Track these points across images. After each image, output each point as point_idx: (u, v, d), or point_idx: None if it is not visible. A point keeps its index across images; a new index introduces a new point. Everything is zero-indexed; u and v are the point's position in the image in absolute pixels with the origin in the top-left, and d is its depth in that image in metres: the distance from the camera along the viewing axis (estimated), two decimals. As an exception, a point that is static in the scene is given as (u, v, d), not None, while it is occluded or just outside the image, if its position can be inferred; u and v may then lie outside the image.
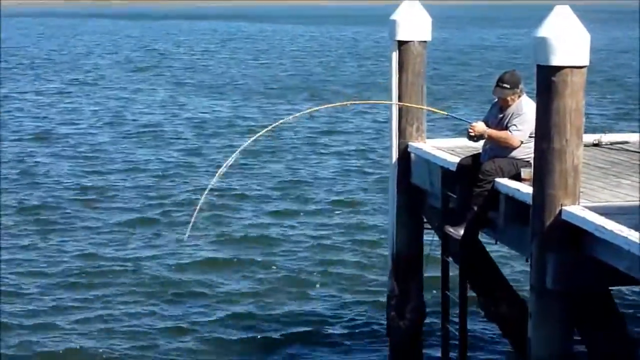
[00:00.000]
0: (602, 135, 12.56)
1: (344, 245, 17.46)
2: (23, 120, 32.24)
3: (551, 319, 8.64)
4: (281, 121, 12.72)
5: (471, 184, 9.93)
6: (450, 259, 10.86)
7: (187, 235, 14.42)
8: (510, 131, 9.92)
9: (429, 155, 11.34)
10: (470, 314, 11.35)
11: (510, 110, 10.03)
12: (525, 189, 9.29)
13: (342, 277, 15.60)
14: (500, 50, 64.12)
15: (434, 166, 11.17)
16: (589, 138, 12.20)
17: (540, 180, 8.59)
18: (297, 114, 15.88)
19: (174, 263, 16.33)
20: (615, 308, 9.24)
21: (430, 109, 11.72)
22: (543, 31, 8.42)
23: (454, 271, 10.81)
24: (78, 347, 12.86)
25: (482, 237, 10.80)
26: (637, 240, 7.61)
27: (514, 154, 9.89)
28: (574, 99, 8.39)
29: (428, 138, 12.03)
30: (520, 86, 10.04)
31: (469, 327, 11.28)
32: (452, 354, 10.89)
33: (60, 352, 12.69)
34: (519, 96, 10.04)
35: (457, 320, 10.75)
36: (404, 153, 11.90)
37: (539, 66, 8.50)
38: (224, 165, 11.49)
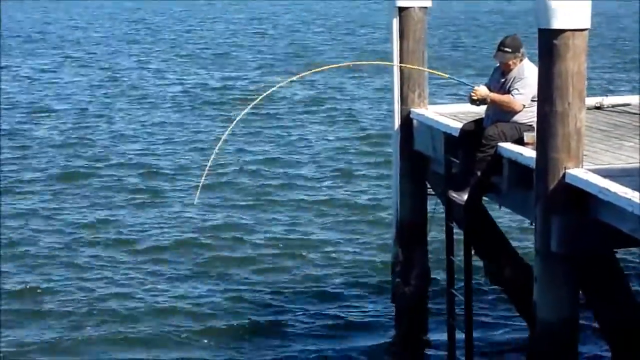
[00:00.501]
0: (604, 97, 12.55)
1: (348, 213, 17.49)
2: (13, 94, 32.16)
3: (556, 282, 8.67)
4: (279, 84, 12.68)
5: (474, 149, 9.94)
6: (454, 224, 10.88)
7: (195, 200, 14.40)
8: (512, 95, 9.91)
9: (431, 121, 11.35)
10: (475, 279, 11.41)
11: (512, 75, 10.02)
12: (528, 152, 9.31)
13: (346, 245, 15.65)
14: (501, 15, 63.86)
15: (436, 132, 11.17)
16: (591, 101, 12.18)
17: (544, 143, 8.60)
18: (300, 74, 15.57)
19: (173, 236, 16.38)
20: (620, 270, 9.28)
21: (432, 71, 11.68)
22: (544, -6, 8.39)
23: (458, 236, 10.84)
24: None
25: (486, 202, 10.83)
26: (641, 202, 7.63)
27: (517, 118, 9.89)
28: (575, 62, 8.38)
29: (430, 104, 12.03)
30: (522, 50, 10.02)
31: (475, 291, 11.35)
32: (458, 319, 10.93)
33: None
34: (521, 60, 10.03)
35: (462, 285, 10.79)
36: (406, 119, 11.90)
37: (540, 30, 8.49)
38: (227, 130, 11.60)
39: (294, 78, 13.51)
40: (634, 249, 12.46)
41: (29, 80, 35.43)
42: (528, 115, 9.75)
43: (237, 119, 12.05)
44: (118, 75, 36.79)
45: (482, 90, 10.11)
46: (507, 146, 9.72)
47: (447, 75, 11.29)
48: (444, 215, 10.99)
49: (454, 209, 10.68)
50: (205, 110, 28.73)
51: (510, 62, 10.00)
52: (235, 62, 40.88)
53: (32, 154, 22.55)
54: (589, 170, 8.57)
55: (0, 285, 14.14)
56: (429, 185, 12.05)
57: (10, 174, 20.52)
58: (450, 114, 11.63)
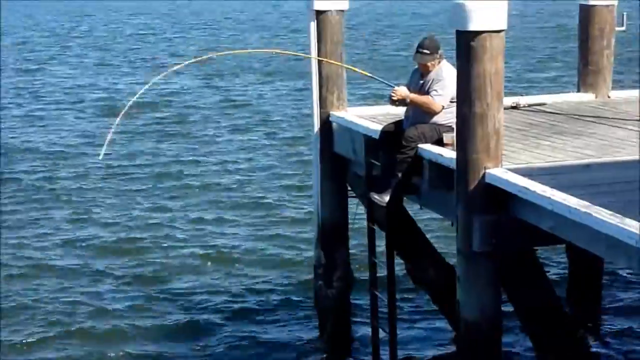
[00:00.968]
0: (520, 97, 12.73)
1: (269, 218, 17.46)
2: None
3: (479, 281, 8.73)
4: (181, 64, 12.59)
5: (394, 151, 9.98)
6: (375, 225, 10.92)
7: (101, 155, 14.17)
8: (431, 96, 9.98)
9: (350, 124, 11.38)
10: (398, 280, 11.47)
11: (430, 76, 10.09)
12: (448, 153, 9.38)
13: (268, 249, 15.62)
14: (418, 17, 64.28)
15: (356, 134, 11.20)
16: (507, 101, 12.32)
17: (463, 144, 8.67)
18: (197, 59, 15.06)
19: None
20: (540, 266, 9.41)
21: (352, 68, 11.64)
22: (461, -4, 8.47)
23: (380, 238, 10.88)
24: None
25: (408, 203, 10.89)
26: (560, 200, 7.74)
27: (436, 119, 9.96)
28: (493, 63, 8.46)
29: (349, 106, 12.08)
30: (440, 51, 10.10)
31: (398, 293, 11.40)
32: (381, 321, 10.97)
33: None
34: (439, 61, 10.11)
35: (385, 286, 10.82)
36: (326, 122, 11.92)
37: (458, 31, 8.55)
38: (138, 94, 11.80)
39: (196, 60, 13.39)
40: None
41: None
42: (447, 116, 9.83)
43: (147, 85, 11.92)
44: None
45: (402, 90, 10.16)
46: (427, 147, 9.79)
47: (368, 74, 11.29)
48: (365, 217, 11.03)
49: (375, 211, 10.71)
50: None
51: (429, 64, 10.07)
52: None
53: None
54: (509, 169, 8.67)
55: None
56: (349, 188, 12.08)
57: None
58: (369, 116, 11.67)
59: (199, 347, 12.23)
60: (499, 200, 8.58)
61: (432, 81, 10.03)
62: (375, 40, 48.67)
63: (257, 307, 13.38)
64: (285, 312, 13.18)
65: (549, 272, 13.57)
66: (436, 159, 9.56)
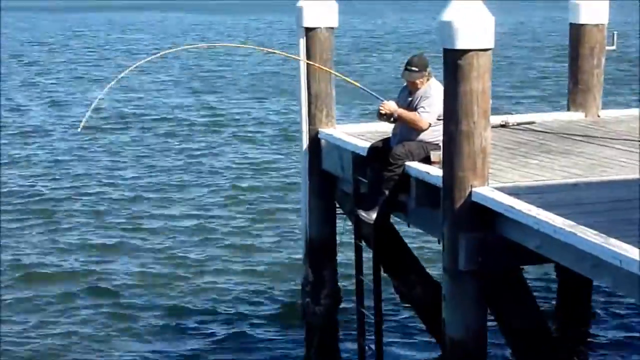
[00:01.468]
0: (509, 116, 12.73)
1: (258, 233, 17.41)
2: None
3: (465, 300, 8.73)
4: (153, 57, 12.59)
5: (382, 168, 9.98)
6: (363, 243, 10.90)
7: (80, 128, 14.10)
8: (418, 113, 9.99)
9: (339, 141, 11.37)
10: (385, 297, 11.44)
11: (419, 93, 10.10)
12: (435, 171, 9.38)
13: (256, 266, 15.55)
14: (410, 35, 64.40)
15: (344, 151, 11.20)
16: (496, 119, 12.35)
17: (450, 162, 8.67)
18: (173, 49, 14.94)
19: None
20: (526, 285, 9.39)
21: (343, 77, 11.59)
22: (448, 15, 8.49)
23: (368, 255, 10.85)
24: None
25: (396, 221, 10.88)
26: (546, 219, 7.74)
27: (423, 137, 9.96)
28: (480, 82, 8.48)
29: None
30: (428, 69, 10.10)
31: (385, 310, 11.37)
32: (368, 338, 10.94)
33: None
34: (428, 79, 10.12)
35: (372, 304, 10.79)
36: (315, 139, 11.91)
37: (445, 49, 8.58)
38: (114, 80, 11.84)
39: (170, 51, 13.39)
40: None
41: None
42: (434, 134, 9.82)
43: (120, 76, 11.92)
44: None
45: (390, 104, 10.17)
46: (414, 165, 9.78)
47: (357, 84, 11.28)
48: (353, 234, 11.01)
49: (362, 228, 10.71)
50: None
51: (417, 81, 10.08)
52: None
53: None
54: (495, 188, 8.67)
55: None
56: (337, 205, 12.07)
57: None
58: (358, 134, 11.67)
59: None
60: (485, 219, 8.57)
61: (420, 98, 10.04)
62: (365, 57, 48.73)
63: (244, 323, 13.31)
64: (272, 329, 13.11)
65: (537, 289, 13.56)
66: (423, 177, 9.56)
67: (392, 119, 10.22)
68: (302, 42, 11.81)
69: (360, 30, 65.68)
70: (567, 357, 10.19)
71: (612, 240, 7.07)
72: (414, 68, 10.04)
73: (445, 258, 8.81)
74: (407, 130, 10.04)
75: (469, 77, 8.46)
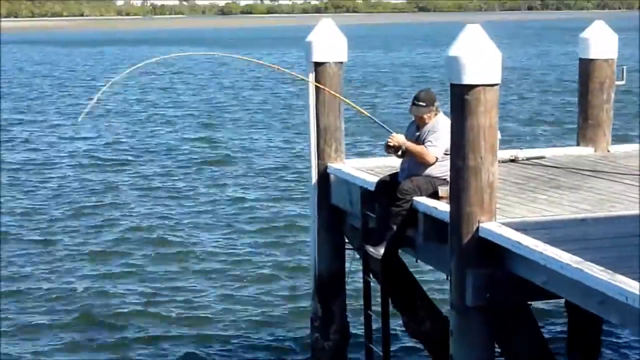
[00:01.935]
0: (519, 151, 12.72)
1: (268, 266, 17.39)
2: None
3: (472, 336, 8.68)
4: (142, 63, 12.60)
5: (390, 203, 9.96)
6: (371, 278, 10.87)
7: (80, 118, 14.16)
8: (425, 147, 9.98)
9: (347, 176, 11.36)
10: (395, 333, 11.39)
11: (426, 128, 10.11)
12: (442, 206, 9.35)
13: (265, 300, 15.51)
14: (419, 68, 64.53)
15: (353, 186, 11.19)
16: (506, 154, 12.35)
17: (457, 197, 8.65)
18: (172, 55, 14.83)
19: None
20: (534, 321, 9.32)
21: (353, 105, 11.58)
22: (455, 50, 8.50)
23: (377, 291, 10.81)
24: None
25: (404, 256, 10.85)
26: (553, 255, 7.69)
27: (431, 172, 9.95)
28: (487, 117, 8.47)
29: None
30: (436, 103, 10.12)
31: (394, 346, 11.32)
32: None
33: None
34: (436, 114, 10.13)
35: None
36: (324, 174, 11.92)
37: (452, 84, 8.58)
38: (103, 89, 12.07)
39: (157, 59, 13.43)
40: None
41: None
42: (442, 169, 9.81)
43: (105, 87, 12.05)
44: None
45: (398, 137, 10.17)
46: (422, 200, 9.77)
47: (367, 113, 11.28)
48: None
49: (371, 264, 10.68)
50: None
51: (425, 116, 10.09)
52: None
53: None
54: (503, 223, 8.64)
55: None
56: (347, 240, 12.05)
57: None
58: (367, 168, 11.67)
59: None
60: (493, 255, 8.53)
61: (428, 132, 10.05)
62: (374, 91, 48.84)
63: (252, 358, 13.26)
64: (281, 364, 13.09)
65: (548, 325, 13.48)
66: (431, 212, 9.53)
67: (399, 153, 10.21)
68: (312, 77, 11.84)
69: (371, 63, 65.86)
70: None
71: (619, 277, 7.02)
72: (421, 103, 10.05)
73: (452, 294, 8.76)
74: (415, 165, 10.03)
75: (476, 112, 8.45)
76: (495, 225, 8.52)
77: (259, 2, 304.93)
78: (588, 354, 12.74)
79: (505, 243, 8.30)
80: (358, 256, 11.57)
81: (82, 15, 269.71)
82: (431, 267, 11.47)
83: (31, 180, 25.85)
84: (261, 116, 39.75)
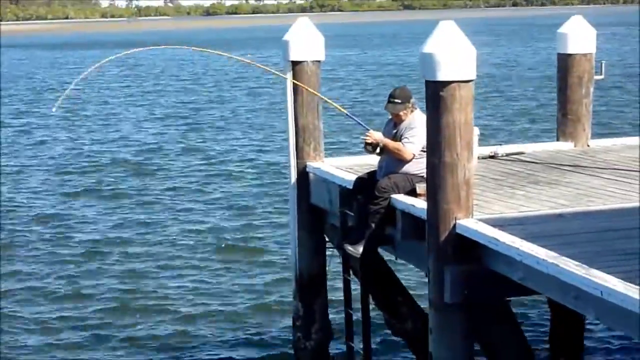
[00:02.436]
0: (498, 147, 12.69)
1: (248, 267, 17.33)
2: None
3: (451, 333, 8.65)
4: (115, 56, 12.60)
5: (368, 201, 9.93)
6: (351, 277, 10.83)
7: (54, 108, 14.22)
8: (402, 143, 9.95)
9: (326, 175, 11.32)
10: (376, 331, 11.35)
11: (403, 125, 10.07)
12: (420, 204, 9.32)
13: (246, 301, 15.45)
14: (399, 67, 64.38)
15: (332, 185, 11.15)
16: (485, 150, 12.33)
17: (434, 194, 8.63)
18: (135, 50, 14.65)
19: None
20: (513, 317, 9.31)
21: (331, 102, 11.57)
22: (429, 47, 8.48)
23: (358, 289, 10.78)
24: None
25: (386, 254, 10.82)
26: (529, 251, 7.67)
27: (409, 169, 9.92)
28: (462, 113, 8.44)
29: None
30: (412, 100, 10.08)
31: (375, 344, 11.28)
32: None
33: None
34: (412, 111, 10.09)
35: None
36: (303, 173, 11.87)
37: (427, 81, 8.55)
38: (69, 88, 12.51)
39: (134, 50, 13.45)
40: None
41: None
42: (420, 166, 9.77)
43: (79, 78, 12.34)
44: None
45: (375, 134, 10.14)
46: (400, 198, 9.73)
47: (344, 111, 11.24)
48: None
49: (351, 262, 10.65)
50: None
51: (401, 113, 10.06)
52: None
53: None
54: (479, 220, 8.61)
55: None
56: (327, 238, 12.01)
57: None
58: (346, 167, 11.63)
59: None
60: (470, 251, 8.51)
61: (405, 129, 10.01)
62: (351, 89, 48.83)
63: (236, 358, 13.22)
64: (263, 365, 13.04)
65: (530, 321, 13.47)
66: (408, 210, 9.50)
67: (377, 150, 10.18)
68: (289, 76, 11.79)
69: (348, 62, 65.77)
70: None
71: (594, 271, 7.01)
72: (397, 100, 10.02)
73: (431, 291, 8.74)
74: (393, 163, 9.99)
75: (451, 109, 8.43)
76: (472, 222, 8.50)
77: (244, 2, 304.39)
78: (572, 351, 12.73)
79: (482, 239, 8.28)
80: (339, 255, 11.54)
81: (67, 18, 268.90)
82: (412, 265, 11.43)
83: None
84: (240, 116, 39.68)
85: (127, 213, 22.09)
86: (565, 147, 12.94)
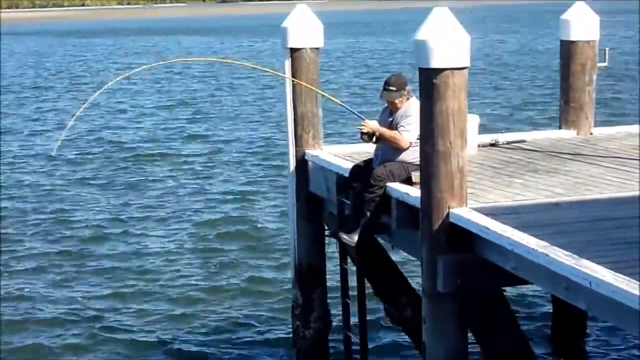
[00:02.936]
0: (499, 134, 12.59)
1: (247, 256, 17.28)
2: None
3: (444, 323, 8.59)
4: (133, 70, 12.54)
5: (363, 190, 9.85)
6: (348, 265, 10.76)
7: (54, 151, 14.16)
8: (399, 132, 9.86)
9: (324, 162, 11.24)
10: (372, 319, 11.28)
11: (399, 113, 9.99)
12: (414, 192, 9.23)
13: (245, 290, 15.39)
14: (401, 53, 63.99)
15: (329, 173, 11.08)
16: (486, 138, 12.23)
17: (427, 183, 8.55)
18: (160, 62, 14.60)
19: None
20: (508, 308, 9.22)
21: (327, 95, 11.49)
22: (422, 34, 8.39)
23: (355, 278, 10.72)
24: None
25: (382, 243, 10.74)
26: (520, 240, 7.59)
27: (404, 157, 9.83)
28: (456, 101, 8.36)
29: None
30: (407, 88, 9.98)
31: (371, 334, 11.21)
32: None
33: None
34: (407, 98, 10.00)
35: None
36: (301, 161, 11.80)
37: (420, 69, 8.47)
38: (82, 107, 12.35)
39: (158, 63, 13.39)
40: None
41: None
42: (416, 154, 9.63)
43: (94, 96, 11.98)
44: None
45: (371, 123, 10.05)
46: (395, 186, 9.65)
47: (341, 103, 11.17)
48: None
49: (348, 250, 10.58)
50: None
51: (397, 101, 9.96)
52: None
53: None
54: (473, 209, 8.52)
55: None
56: (326, 227, 11.93)
57: None
58: (345, 155, 11.54)
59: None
60: (464, 240, 8.43)
61: (401, 117, 9.92)
62: (350, 77, 48.63)
63: (234, 347, 13.18)
64: (263, 353, 12.97)
65: (531, 313, 13.39)
66: (403, 198, 9.42)
67: (374, 139, 10.09)
68: (288, 63, 11.72)
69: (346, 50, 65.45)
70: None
71: (584, 261, 6.91)
72: (392, 87, 9.92)
73: (424, 280, 8.67)
74: (388, 151, 9.91)
75: (444, 96, 8.34)
76: (466, 211, 8.41)
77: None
78: (572, 342, 12.63)
79: (474, 228, 8.20)
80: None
81: (83, 5, 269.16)
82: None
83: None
84: (241, 105, 39.55)
85: (124, 201, 22.00)
86: (567, 135, 12.82)
